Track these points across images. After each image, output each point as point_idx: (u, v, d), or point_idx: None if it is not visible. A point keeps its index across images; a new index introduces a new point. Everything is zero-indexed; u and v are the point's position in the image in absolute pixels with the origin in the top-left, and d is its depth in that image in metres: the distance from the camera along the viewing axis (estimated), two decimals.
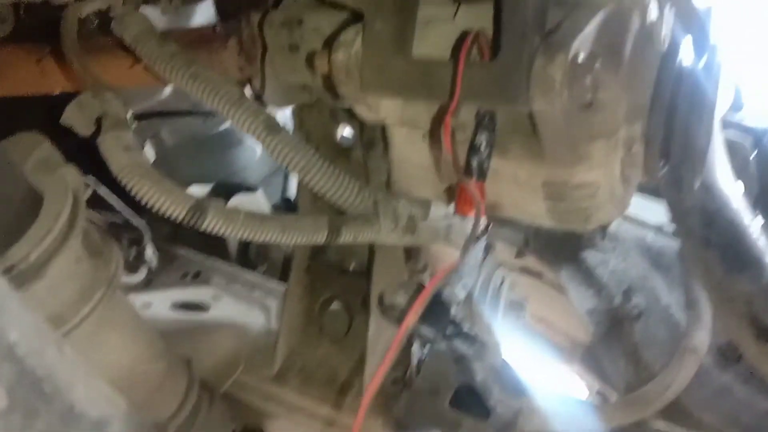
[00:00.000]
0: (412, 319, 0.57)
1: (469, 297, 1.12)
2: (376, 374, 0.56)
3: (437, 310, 0.64)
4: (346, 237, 0.76)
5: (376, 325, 0.93)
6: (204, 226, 0.67)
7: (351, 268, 0.96)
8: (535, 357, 1.64)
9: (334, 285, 0.97)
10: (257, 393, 1.00)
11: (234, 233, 0.68)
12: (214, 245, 1.35)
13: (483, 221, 0.94)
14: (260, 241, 0.70)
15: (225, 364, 1.01)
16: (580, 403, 0.90)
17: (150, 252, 1.26)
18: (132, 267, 1.25)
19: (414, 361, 0.94)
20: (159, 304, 1.06)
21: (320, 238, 0.74)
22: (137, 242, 1.29)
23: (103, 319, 0.66)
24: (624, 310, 1.06)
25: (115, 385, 0.71)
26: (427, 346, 0.98)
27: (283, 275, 1.28)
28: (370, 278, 0.92)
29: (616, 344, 1.06)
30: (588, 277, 1.11)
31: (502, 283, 1.18)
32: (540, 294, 1.65)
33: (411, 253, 0.97)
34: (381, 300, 0.62)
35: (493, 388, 0.80)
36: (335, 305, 1.01)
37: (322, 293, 0.98)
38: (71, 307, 0.62)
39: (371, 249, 0.92)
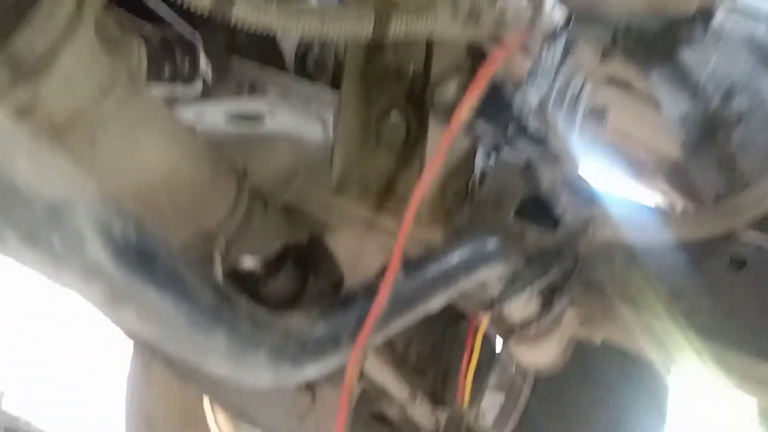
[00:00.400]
0: (464, 111, 0.48)
1: (543, 103, 1.02)
2: (425, 174, 0.48)
3: (497, 104, 0.55)
4: (397, 27, 0.66)
5: (435, 133, 0.85)
6: (233, 17, 0.59)
7: (410, 73, 0.87)
8: (614, 174, 1.54)
9: (392, 92, 0.89)
10: (316, 204, 0.97)
11: (266, 23, 0.60)
12: (271, 55, 1.27)
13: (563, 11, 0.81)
14: (296, 33, 0.61)
15: (282, 175, 0.97)
16: (662, 212, 0.81)
17: (204, 63, 1.20)
18: (187, 79, 1.20)
19: (477, 171, 0.87)
20: (212, 115, 1.02)
21: (366, 28, 0.65)
22: (191, 53, 1.23)
23: (130, 119, 0.61)
24: (722, 114, 0.94)
25: (156, 191, 0.68)
26: (492, 156, 0.91)
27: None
28: (428, 81, 0.83)
29: (708, 153, 0.95)
30: (683, 78, 0.97)
31: (581, 89, 1.06)
32: (626, 107, 1.51)
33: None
34: (431, 98, 0.54)
35: (562, 196, 0.73)
36: (393, 115, 0.93)
37: (378, 101, 0.91)
38: (90, 104, 0.57)
39: (429, 48, 0.83)
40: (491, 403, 1.47)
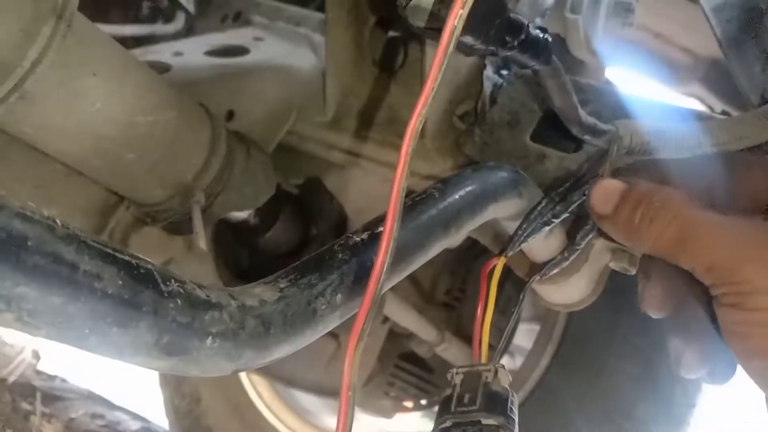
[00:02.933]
0: (452, 23, 0.38)
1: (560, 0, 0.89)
2: (419, 100, 0.39)
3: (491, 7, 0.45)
4: None
5: (434, 46, 0.75)
6: None
7: None
8: (643, 79, 1.41)
9: (384, 1, 0.78)
10: (314, 142, 0.88)
11: None
12: None
13: None
14: None
15: (273, 113, 0.88)
16: (701, 118, 0.70)
17: None
18: (167, 16, 1.11)
19: (487, 88, 0.77)
20: (192, 52, 0.92)
21: None
22: None
23: (68, 62, 0.52)
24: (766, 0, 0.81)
25: (118, 145, 0.60)
26: (506, 72, 0.80)
27: None
28: None
29: (751, 45, 0.83)
30: None
31: None
32: (659, 3, 1.37)
33: None
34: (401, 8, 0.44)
35: (577, 115, 0.63)
36: (390, 32, 0.83)
37: (370, 15, 0.80)
38: (14, 50, 0.48)
39: None
40: (526, 335, 1.41)
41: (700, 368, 0.49)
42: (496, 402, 0.42)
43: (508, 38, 0.47)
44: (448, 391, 0.44)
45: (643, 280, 0.53)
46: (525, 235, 0.54)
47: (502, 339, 0.56)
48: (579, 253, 0.65)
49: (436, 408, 0.45)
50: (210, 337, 0.32)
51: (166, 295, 0.29)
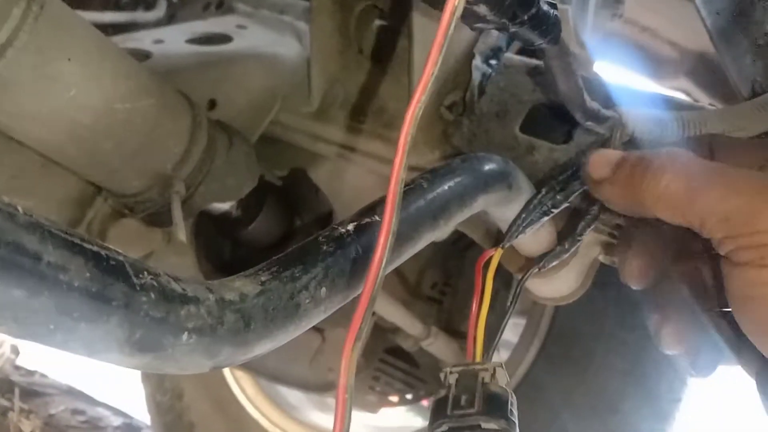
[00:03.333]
0: None
1: None
2: (416, 90, 0.37)
3: None
4: None
5: (422, 36, 0.73)
6: None
7: None
8: (630, 73, 1.41)
9: None
10: (299, 133, 0.86)
11: None
12: None
13: None
14: None
15: (258, 102, 0.86)
16: (687, 113, 0.69)
17: None
18: (149, 2, 1.08)
19: (476, 78, 0.75)
20: (172, 39, 0.90)
21: None
22: None
23: (41, 46, 0.50)
24: None
25: (95, 134, 0.58)
26: (494, 62, 0.79)
27: None
28: None
29: (741, 37, 0.82)
30: None
31: None
32: None
33: None
34: None
35: (582, 99, 0.61)
36: (376, 20, 0.81)
37: (356, 3, 0.78)
38: None
39: None
40: (511, 329, 1.40)
41: (678, 344, 0.48)
42: (496, 404, 0.40)
43: (519, 12, 0.45)
44: (442, 392, 0.42)
45: (623, 251, 0.51)
46: (524, 225, 0.52)
47: (496, 336, 0.54)
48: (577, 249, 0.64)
49: (422, 403, 0.43)
50: (186, 333, 0.30)
51: (138, 288, 0.28)
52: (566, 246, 0.56)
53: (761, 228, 0.37)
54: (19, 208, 0.24)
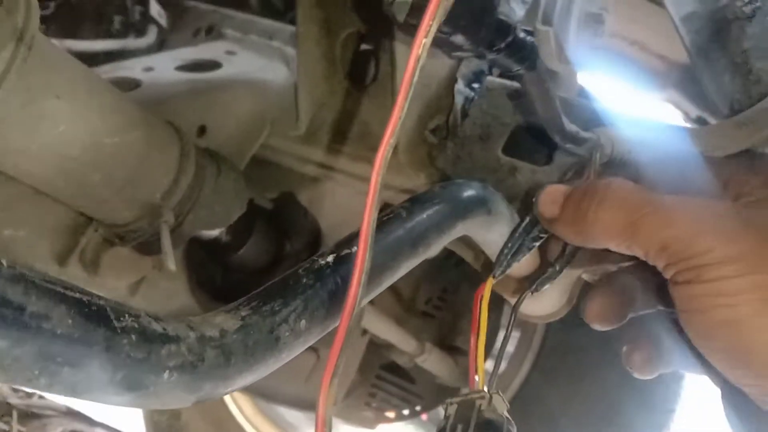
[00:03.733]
0: (428, 20, 0.37)
1: (533, 10, 0.89)
2: (393, 112, 0.39)
3: (474, 13, 0.44)
4: None
5: (405, 59, 0.75)
6: None
7: None
8: (619, 85, 1.42)
9: (355, 16, 0.78)
10: (288, 156, 0.88)
11: None
12: None
13: None
14: None
15: (247, 127, 0.87)
16: (674, 129, 0.71)
17: (156, 11, 1.09)
18: (139, 30, 1.10)
19: (459, 102, 0.77)
20: (162, 67, 0.91)
21: None
22: (141, 1, 1.12)
23: (30, 85, 0.52)
24: (733, 9, 0.82)
25: (83, 167, 0.59)
26: (477, 85, 0.80)
27: None
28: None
29: (720, 55, 0.84)
30: None
31: None
32: (632, 11, 1.38)
33: None
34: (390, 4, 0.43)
35: (560, 122, 0.62)
36: (361, 46, 0.83)
37: (341, 29, 0.80)
38: None
39: None
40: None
41: (649, 371, 0.50)
42: (491, 430, 0.41)
43: (495, 41, 0.46)
44: (441, 423, 0.43)
45: (589, 296, 0.53)
46: (511, 254, 0.53)
47: (495, 363, 0.54)
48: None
49: (421, 417, 0.44)
50: (167, 371, 0.31)
51: (119, 331, 0.29)
52: (557, 268, 0.56)
53: (696, 252, 0.40)
54: (3, 261, 0.25)
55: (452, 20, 0.41)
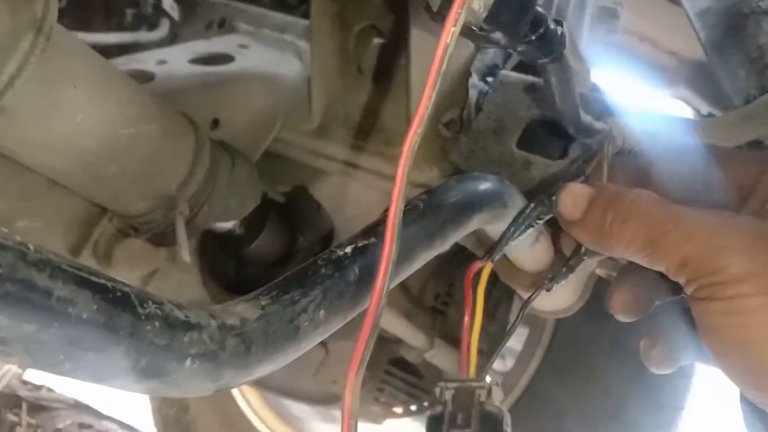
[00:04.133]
0: (457, 9, 0.37)
1: (547, 4, 0.89)
2: (417, 111, 0.38)
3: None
4: None
5: (419, 54, 0.75)
6: None
7: None
8: (629, 81, 1.42)
9: (369, 9, 0.78)
10: (301, 150, 0.88)
11: None
12: None
13: None
14: None
15: (259, 121, 0.87)
16: (683, 121, 0.70)
17: (168, 2, 1.09)
18: (151, 23, 1.10)
19: (473, 96, 0.77)
20: (175, 60, 0.91)
21: None
22: None
23: (48, 75, 0.52)
24: (749, 4, 0.81)
25: (100, 157, 0.59)
26: (491, 79, 0.80)
27: None
28: None
29: (735, 50, 0.83)
30: None
31: None
32: (644, 7, 1.37)
33: None
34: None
35: (577, 113, 0.62)
36: (375, 39, 0.83)
37: (355, 22, 0.80)
38: None
39: None
40: (515, 337, 1.41)
41: (667, 366, 0.50)
42: (492, 424, 0.41)
43: (529, 32, 0.46)
44: (438, 408, 0.43)
45: (612, 286, 0.52)
46: (509, 238, 0.53)
47: (494, 354, 0.54)
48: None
49: (427, 414, 0.44)
50: (189, 359, 0.31)
51: (143, 317, 0.29)
52: (572, 264, 0.55)
53: (714, 269, 0.40)
54: (31, 246, 0.26)
55: (493, 17, 0.41)
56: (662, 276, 0.46)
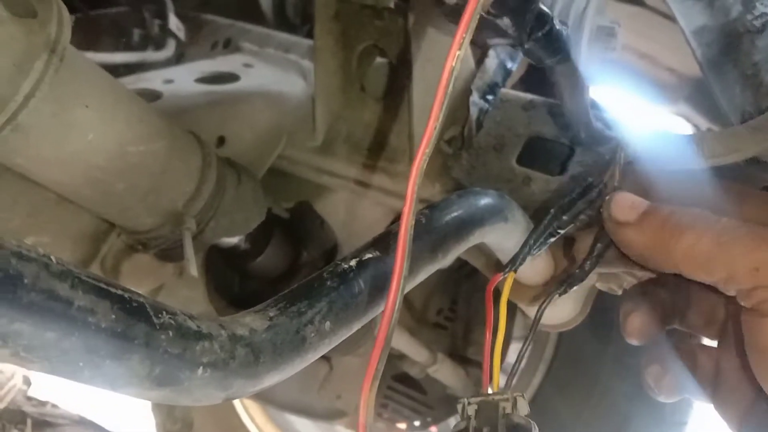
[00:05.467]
0: (462, 34, 0.38)
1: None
2: (426, 128, 0.40)
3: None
4: None
5: (422, 74, 0.76)
6: None
7: (392, 4, 0.77)
8: (630, 97, 1.44)
9: (371, 29, 0.80)
10: (305, 166, 0.89)
11: None
12: (247, 8, 1.18)
13: None
14: None
15: (264, 138, 0.89)
16: (684, 138, 0.72)
17: (174, 24, 1.11)
18: (158, 43, 1.12)
19: (473, 113, 0.78)
20: (182, 79, 0.93)
21: None
22: (160, 15, 1.14)
23: (60, 95, 0.53)
24: (743, 23, 0.83)
25: (109, 175, 0.61)
26: (491, 97, 0.82)
27: None
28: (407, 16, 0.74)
29: (730, 67, 0.85)
30: None
31: (586, 6, 0.95)
32: (642, 25, 1.39)
33: None
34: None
35: (588, 116, 0.63)
36: (377, 58, 0.84)
37: (358, 42, 0.81)
38: (7, 84, 0.49)
39: None
40: (517, 353, 1.41)
41: (678, 393, 0.49)
42: None
43: (535, 28, 0.47)
44: (461, 424, 0.42)
45: (626, 308, 0.52)
46: (531, 249, 0.52)
47: (514, 366, 0.53)
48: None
49: (430, 429, 0.44)
50: (201, 368, 0.33)
51: (158, 327, 0.30)
52: (586, 268, 0.53)
53: None
54: (53, 258, 0.27)
55: (500, 2, 0.42)
56: (674, 300, 0.46)
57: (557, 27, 0.49)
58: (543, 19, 0.47)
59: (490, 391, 0.45)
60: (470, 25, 0.38)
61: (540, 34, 0.48)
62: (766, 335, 0.40)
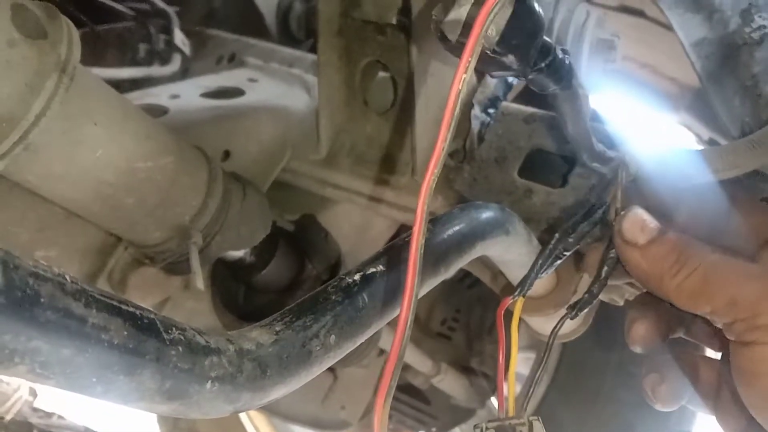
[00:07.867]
0: (467, 57, 0.39)
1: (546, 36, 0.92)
2: (437, 144, 0.40)
3: (521, 26, 0.44)
4: None
5: (424, 89, 0.77)
6: None
7: (394, 20, 0.78)
8: (632, 108, 1.44)
9: (374, 45, 0.81)
10: (309, 179, 0.91)
11: None
12: (251, 22, 1.19)
13: None
14: None
15: (269, 152, 0.90)
16: (686, 152, 0.73)
17: (180, 39, 1.13)
18: (163, 57, 1.14)
19: (475, 127, 0.79)
20: (187, 94, 0.94)
21: None
22: (166, 30, 1.15)
23: (70, 113, 0.54)
24: (742, 35, 0.84)
25: (117, 190, 0.62)
26: (492, 111, 0.83)
27: None
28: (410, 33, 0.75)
29: (729, 79, 0.86)
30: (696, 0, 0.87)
31: (586, 19, 0.96)
32: (643, 35, 1.40)
33: None
34: (437, 24, 0.44)
35: (590, 140, 0.64)
36: (380, 73, 0.86)
37: (361, 57, 0.83)
38: (19, 103, 0.50)
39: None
40: (521, 363, 1.42)
41: (674, 403, 0.50)
42: None
43: (539, 60, 0.48)
44: None
45: (632, 316, 0.52)
46: (538, 273, 0.52)
47: (530, 388, 0.52)
48: (567, 286, 0.67)
49: None
50: (210, 382, 0.34)
51: (168, 343, 0.31)
52: (595, 292, 0.53)
53: (764, 310, 0.41)
54: (67, 277, 0.28)
55: (505, 41, 0.43)
56: (680, 311, 0.47)
57: (560, 56, 0.50)
58: (546, 50, 0.48)
59: (505, 414, 0.46)
60: (473, 56, 0.39)
61: (543, 65, 0.48)
62: (750, 363, 0.42)
